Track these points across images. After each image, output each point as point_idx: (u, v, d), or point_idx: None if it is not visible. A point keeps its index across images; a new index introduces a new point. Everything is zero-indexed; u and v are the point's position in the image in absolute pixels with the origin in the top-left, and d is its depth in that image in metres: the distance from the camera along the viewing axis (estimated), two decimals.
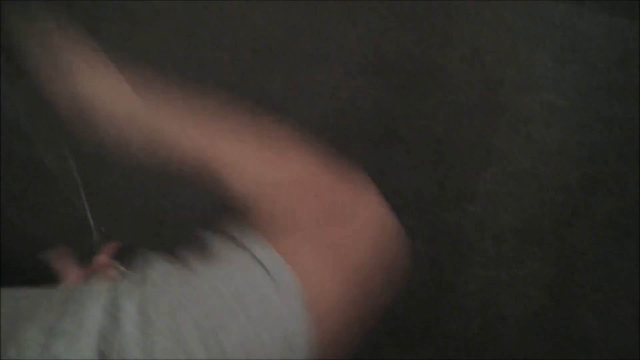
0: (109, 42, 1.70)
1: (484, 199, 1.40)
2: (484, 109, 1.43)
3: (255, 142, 0.47)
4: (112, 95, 0.56)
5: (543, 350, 1.32)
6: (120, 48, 1.69)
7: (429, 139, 1.46)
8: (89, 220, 0.74)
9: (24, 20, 0.64)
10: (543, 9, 1.43)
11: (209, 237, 0.41)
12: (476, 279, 1.38)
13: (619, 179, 1.37)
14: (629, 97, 1.40)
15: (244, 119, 0.52)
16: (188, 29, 1.64)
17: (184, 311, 0.33)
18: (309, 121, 1.52)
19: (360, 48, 1.54)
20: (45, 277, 1.51)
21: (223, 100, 0.59)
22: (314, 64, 1.55)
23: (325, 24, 1.55)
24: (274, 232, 0.40)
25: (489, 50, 1.44)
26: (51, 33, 0.64)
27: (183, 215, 1.50)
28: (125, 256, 0.70)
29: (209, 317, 0.33)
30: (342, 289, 0.39)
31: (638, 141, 1.38)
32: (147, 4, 1.67)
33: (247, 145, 0.49)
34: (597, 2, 1.38)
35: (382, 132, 1.49)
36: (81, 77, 0.57)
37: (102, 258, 0.74)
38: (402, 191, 1.44)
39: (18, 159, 1.60)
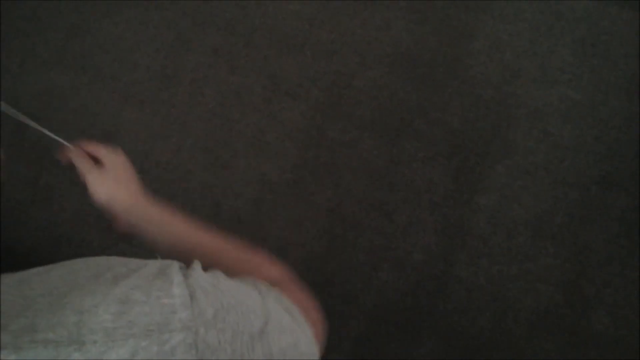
0: (124, 26, 1.70)
1: (497, 192, 1.39)
2: (500, 102, 1.42)
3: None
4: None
5: (553, 346, 1.32)
6: (134, 32, 1.69)
7: (443, 131, 1.45)
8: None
9: None
10: (564, 4, 1.41)
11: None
12: (487, 272, 1.37)
13: (635, 177, 1.36)
14: None
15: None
16: (202, 16, 1.63)
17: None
18: (322, 109, 1.52)
19: (377, 39, 1.53)
20: (55, 257, 1.52)
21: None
22: (330, 54, 1.54)
23: (343, 15, 1.55)
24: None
25: (507, 43, 1.43)
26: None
27: (193, 200, 1.50)
28: None
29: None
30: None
31: None
32: None
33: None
34: None
35: (396, 123, 1.48)
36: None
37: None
38: (415, 183, 1.44)
39: (30, 144, 1.60)
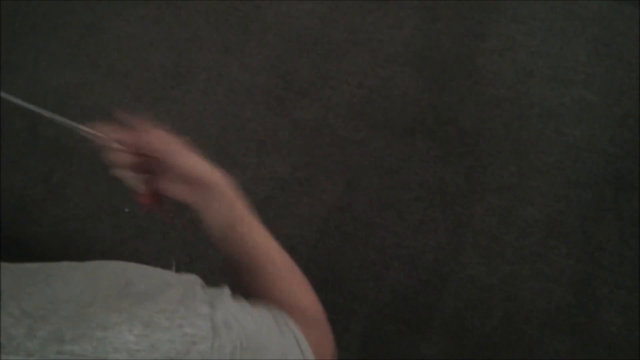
0: (137, 24, 1.71)
1: (509, 192, 1.39)
2: (513, 102, 1.42)
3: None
4: None
5: (564, 346, 1.31)
6: (148, 30, 1.70)
7: (455, 130, 1.45)
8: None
9: None
10: (577, 3, 1.41)
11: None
12: (498, 272, 1.37)
13: None
14: None
15: None
16: (215, 14, 1.64)
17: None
18: (335, 108, 1.52)
19: (390, 38, 1.53)
20: (69, 253, 1.53)
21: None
22: (343, 53, 1.55)
23: (355, 14, 1.55)
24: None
25: (521, 43, 1.43)
26: None
27: None
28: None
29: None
30: None
31: None
32: None
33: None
34: None
35: (408, 122, 1.48)
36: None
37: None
38: (427, 182, 1.44)
39: (44, 141, 1.62)
